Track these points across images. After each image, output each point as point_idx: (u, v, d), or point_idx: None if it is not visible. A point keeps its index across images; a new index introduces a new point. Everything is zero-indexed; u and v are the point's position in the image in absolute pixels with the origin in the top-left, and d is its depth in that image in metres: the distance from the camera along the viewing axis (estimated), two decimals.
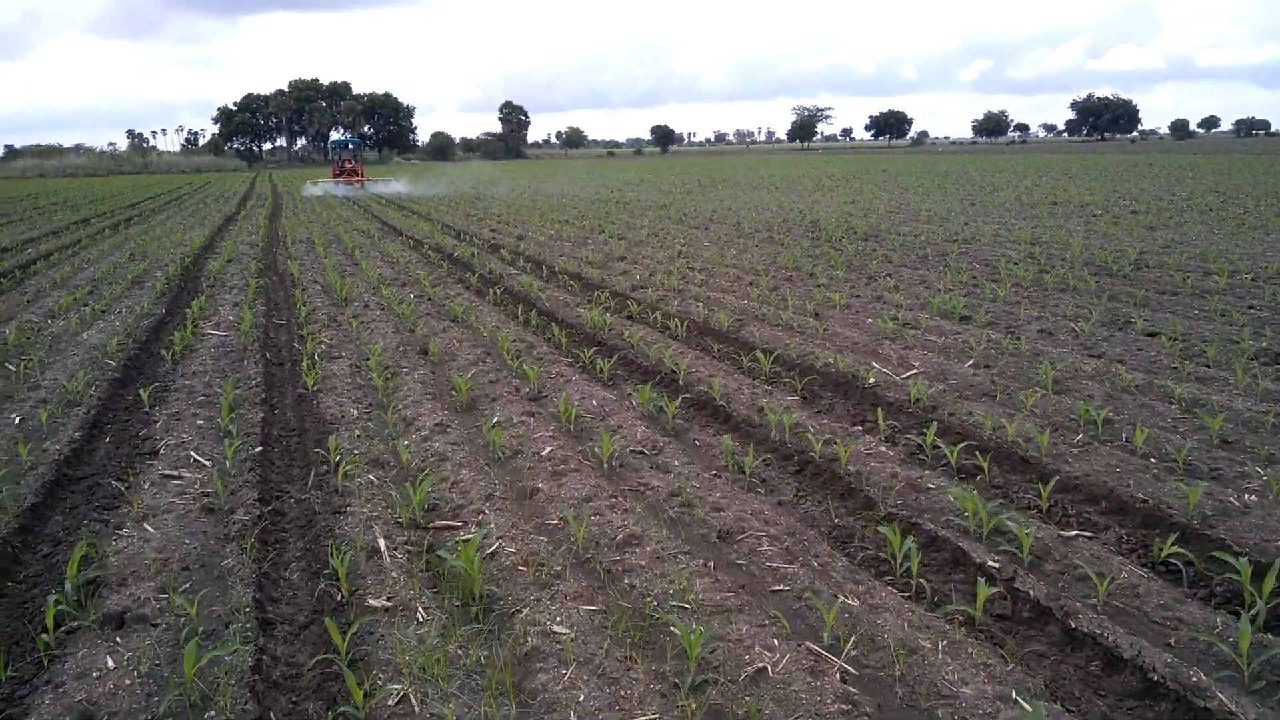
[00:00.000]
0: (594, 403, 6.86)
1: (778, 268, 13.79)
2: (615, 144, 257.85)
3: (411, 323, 10.01)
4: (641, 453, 5.73)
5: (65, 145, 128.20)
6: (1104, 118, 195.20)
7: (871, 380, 7.17)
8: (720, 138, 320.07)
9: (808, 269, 13.48)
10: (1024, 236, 16.55)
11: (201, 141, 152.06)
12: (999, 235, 17.26)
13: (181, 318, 10.71)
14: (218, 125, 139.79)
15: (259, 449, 5.88)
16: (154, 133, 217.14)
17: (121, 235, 21.79)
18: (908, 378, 7.26)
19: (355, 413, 6.76)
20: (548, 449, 5.76)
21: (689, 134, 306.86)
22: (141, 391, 6.99)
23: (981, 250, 15.24)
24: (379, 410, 6.89)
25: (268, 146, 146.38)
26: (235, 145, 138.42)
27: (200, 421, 6.45)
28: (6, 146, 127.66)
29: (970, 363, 7.75)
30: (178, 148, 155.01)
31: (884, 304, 10.67)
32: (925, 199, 28.10)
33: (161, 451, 5.82)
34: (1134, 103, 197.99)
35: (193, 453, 5.73)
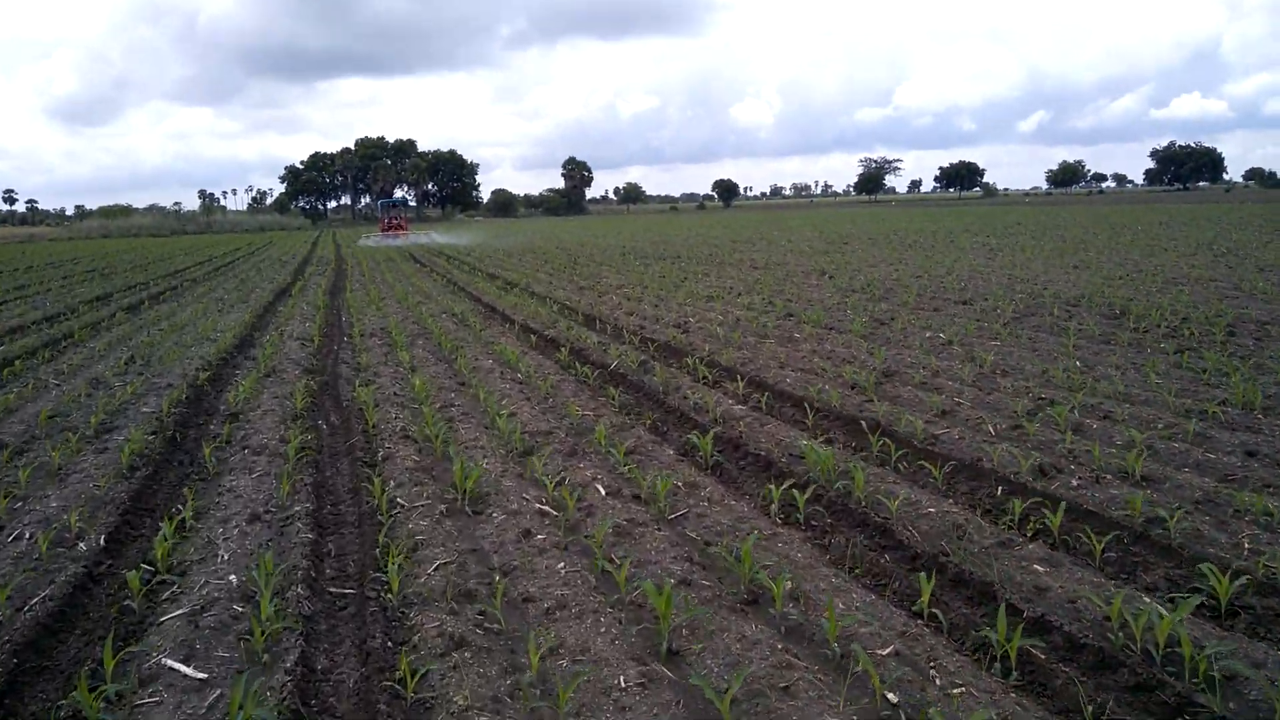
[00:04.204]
0: None
1: (1241, 409, 7.48)
2: (672, 199, 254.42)
3: (665, 627, 3.95)
4: None
5: (139, 206, 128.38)
6: (1186, 166, 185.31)
7: None
8: (776, 191, 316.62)
9: None
10: None
11: (269, 200, 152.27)
12: None
13: (126, 571, 4.77)
14: (284, 184, 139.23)
15: None
16: (224, 193, 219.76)
17: (137, 321, 16.40)
18: None
19: None
20: None
21: (745, 188, 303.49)
22: None
23: None
24: None
25: (332, 205, 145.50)
26: (301, 204, 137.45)
27: None
28: (77, 207, 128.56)
29: None
30: (245, 207, 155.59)
31: None
32: (1162, 258, 21.45)
33: None
34: (1219, 151, 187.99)
35: None
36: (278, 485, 6.13)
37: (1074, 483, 5.79)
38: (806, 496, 5.47)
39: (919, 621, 4.13)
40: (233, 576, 4.64)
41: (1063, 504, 5.08)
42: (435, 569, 4.71)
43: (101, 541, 5.25)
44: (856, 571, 4.83)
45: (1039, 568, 4.55)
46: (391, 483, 6.22)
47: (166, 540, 5.02)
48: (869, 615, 4.11)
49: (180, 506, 5.84)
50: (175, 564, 4.93)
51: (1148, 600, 4.14)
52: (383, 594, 4.57)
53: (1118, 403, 7.81)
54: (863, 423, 7.17)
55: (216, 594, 4.44)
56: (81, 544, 5.22)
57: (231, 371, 11.01)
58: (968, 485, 5.97)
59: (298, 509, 5.69)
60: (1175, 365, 9.34)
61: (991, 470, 6.08)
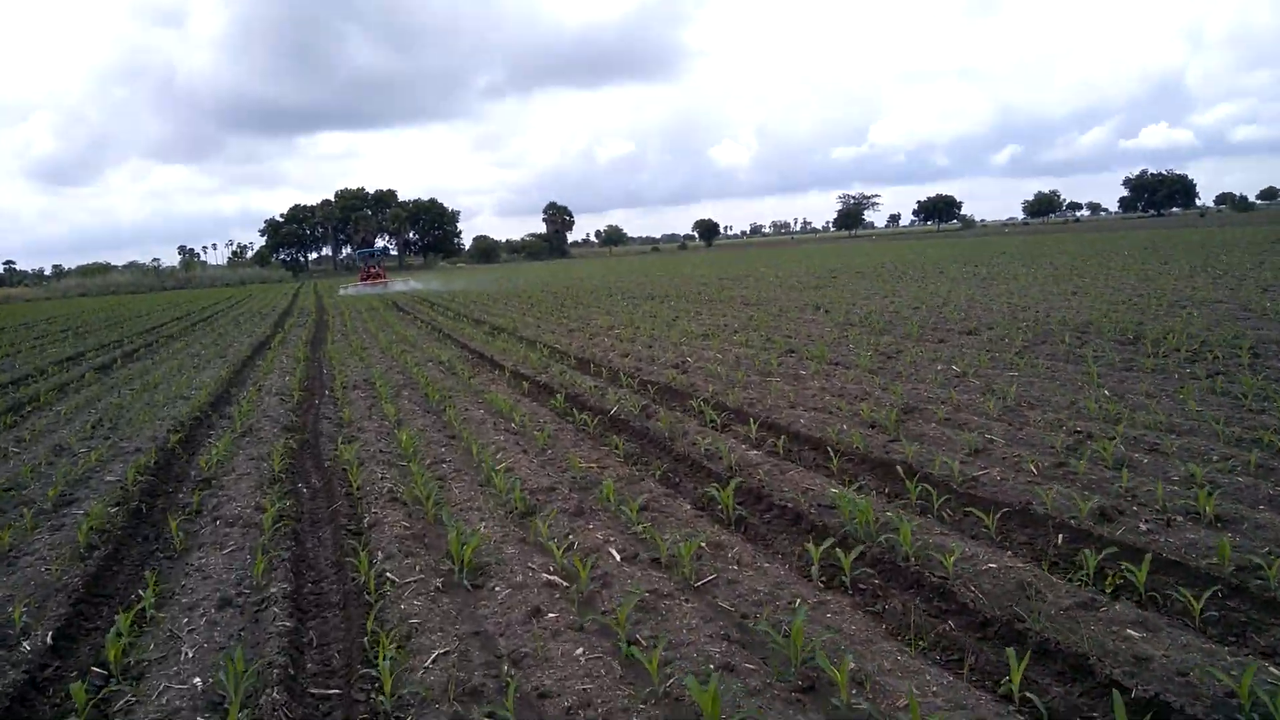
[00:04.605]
0: None
1: None
2: (654, 240, 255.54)
3: None
4: None
5: (118, 263, 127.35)
6: (1159, 194, 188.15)
7: None
8: (756, 230, 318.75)
9: None
10: None
11: (249, 254, 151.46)
12: None
13: (73, 681, 4.07)
14: (264, 237, 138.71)
15: None
16: (204, 247, 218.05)
17: (109, 381, 15.66)
18: None
19: None
20: None
21: (726, 228, 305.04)
22: None
23: None
24: None
25: (313, 256, 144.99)
26: (281, 256, 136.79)
27: None
28: (55, 267, 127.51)
29: None
30: (225, 261, 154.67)
31: None
32: (1159, 282, 21.17)
33: None
34: (1190, 177, 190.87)
35: None
36: (252, 561, 5.45)
37: (1142, 526, 5.21)
38: (853, 557, 4.84)
39: (1011, 709, 3.50)
40: (197, 680, 3.96)
41: (1148, 556, 4.47)
42: (433, 660, 4.04)
43: (49, 640, 4.55)
44: (922, 644, 4.20)
45: (1133, 632, 3.94)
46: (379, 554, 5.56)
47: (121, 637, 4.33)
48: (950, 702, 3.48)
49: (141, 592, 5.15)
50: (131, 665, 4.25)
51: (1275, 671, 3.54)
52: (373, 695, 3.90)
53: (1162, 434, 7.27)
54: (898, 467, 6.57)
55: (177, 703, 3.76)
56: (25, 644, 4.52)
57: (205, 432, 10.32)
58: (1024, 534, 5.38)
59: (274, 590, 5.01)
60: (1210, 391, 8.83)
61: (1046, 516, 5.49)
